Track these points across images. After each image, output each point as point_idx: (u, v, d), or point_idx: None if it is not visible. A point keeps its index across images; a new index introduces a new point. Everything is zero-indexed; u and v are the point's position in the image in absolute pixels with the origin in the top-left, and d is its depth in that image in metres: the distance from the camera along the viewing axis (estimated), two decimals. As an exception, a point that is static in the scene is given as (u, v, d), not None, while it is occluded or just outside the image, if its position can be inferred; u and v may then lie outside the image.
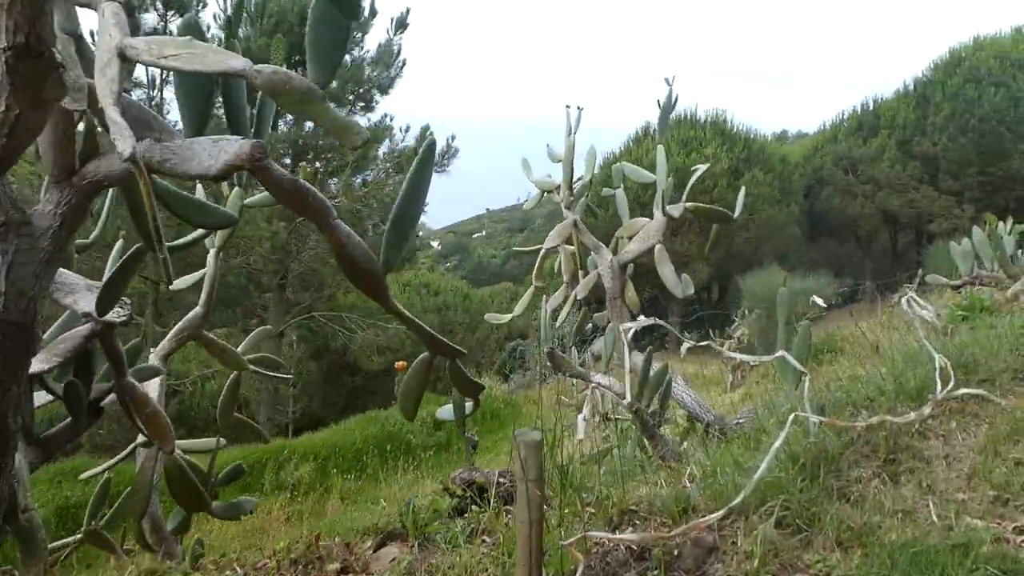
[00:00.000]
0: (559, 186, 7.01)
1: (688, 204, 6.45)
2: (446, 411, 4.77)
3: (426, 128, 18.15)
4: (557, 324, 7.87)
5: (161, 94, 17.27)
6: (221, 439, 4.82)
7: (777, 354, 4.06)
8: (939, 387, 3.56)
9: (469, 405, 4.49)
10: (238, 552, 4.44)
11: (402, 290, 38.95)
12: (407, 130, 18.04)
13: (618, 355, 6.26)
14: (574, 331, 8.23)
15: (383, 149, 18.25)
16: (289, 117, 18.88)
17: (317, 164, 18.86)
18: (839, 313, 32.40)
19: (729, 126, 29.54)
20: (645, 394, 5.82)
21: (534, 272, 6.76)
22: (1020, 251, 9.48)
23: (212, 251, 4.82)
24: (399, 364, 16.11)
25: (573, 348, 8.06)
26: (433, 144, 3.02)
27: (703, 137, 28.52)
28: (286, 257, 19.21)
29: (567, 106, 6.98)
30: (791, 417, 2.92)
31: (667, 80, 6.55)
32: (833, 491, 2.85)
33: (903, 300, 4.96)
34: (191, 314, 4.91)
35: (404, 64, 19.62)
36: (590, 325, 7.95)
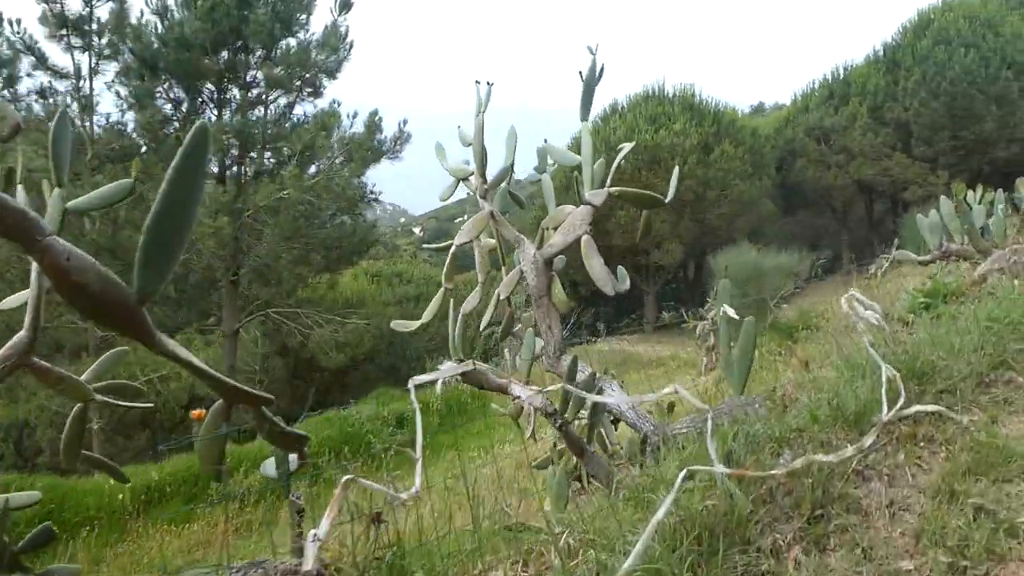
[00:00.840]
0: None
1: (613, 189, 5.70)
2: (268, 467, 4.02)
3: (374, 113, 17.32)
4: (482, 327, 7.17)
5: None
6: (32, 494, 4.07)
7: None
8: (885, 407, 2.89)
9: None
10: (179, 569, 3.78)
11: (372, 280, 38.23)
12: (355, 116, 17.20)
13: (547, 360, 5.58)
14: (500, 334, 7.52)
15: (334, 137, 17.39)
16: (235, 106, 18.07)
17: (267, 154, 18.07)
18: (817, 286, 32.02)
19: (698, 100, 28.82)
20: (571, 405, 5.18)
21: (444, 272, 6.01)
22: (991, 222, 8.83)
23: (35, 267, 4.05)
24: (195, 413, 15.28)
25: (507, 351, 7.39)
26: (202, 132, 2.27)
27: (672, 112, 27.80)
28: (238, 252, 18.42)
29: (476, 81, 6.24)
30: (680, 476, 2.24)
31: (590, 48, 5.79)
32: (737, 572, 2.17)
33: (843, 301, 4.27)
34: (15, 339, 4.14)
35: (352, 46, 18.78)
36: (519, 326, 7.24)
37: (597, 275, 5.95)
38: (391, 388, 19.93)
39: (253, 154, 18.88)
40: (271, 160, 18.12)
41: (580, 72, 6.05)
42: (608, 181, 6.24)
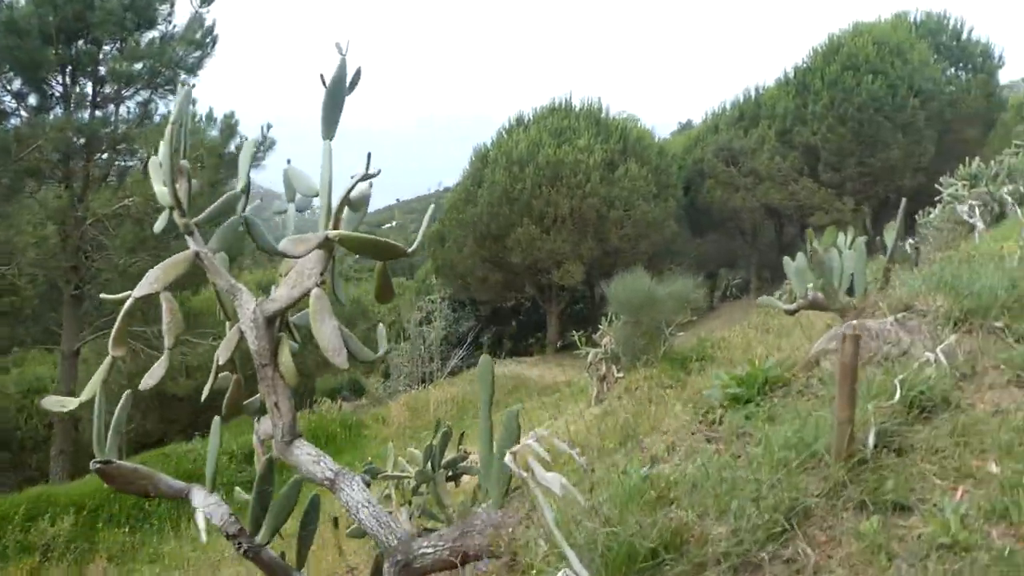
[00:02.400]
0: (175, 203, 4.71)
1: (332, 233, 4.13)
2: None
3: (230, 116, 15.58)
4: (203, 396, 5.65)
5: None
6: None
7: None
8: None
9: None
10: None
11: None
12: (211, 118, 15.39)
13: (276, 447, 4.15)
14: (224, 409, 5.99)
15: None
16: (74, 104, 16.16)
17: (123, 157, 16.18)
18: (728, 309, 31.20)
19: (604, 116, 27.81)
20: (266, 521, 3.77)
21: (112, 335, 4.40)
22: (854, 273, 7.71)
23: None
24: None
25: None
26: None
27: (577, 127, 26.71)
28: (79, 264, 16.47)
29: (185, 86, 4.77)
30: None
31: (339, 47, 4.23)
32: None
33: (530, 442, 2.92)
34: None
35: (215, 42, 17.05)
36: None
37: (326, 343, 4.39)
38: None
39: (105, 155, 16.99)
40: (122, 163, 16.25)
41: (322, 76, 4.49)
42: (332, 220, 4.68)
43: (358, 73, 4.24)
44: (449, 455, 6.41)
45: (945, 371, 3.79)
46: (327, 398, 22.30)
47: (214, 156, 14.88)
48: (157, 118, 16.02)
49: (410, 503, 6.32)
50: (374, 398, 25.33)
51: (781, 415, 3.55)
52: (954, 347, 4.07)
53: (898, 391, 3.37)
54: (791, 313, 8.08)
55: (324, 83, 4.15)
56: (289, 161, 5.39)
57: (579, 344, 20.71)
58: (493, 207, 25.93)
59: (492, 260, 27.08)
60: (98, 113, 16.06)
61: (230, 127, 15.22)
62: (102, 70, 16.27)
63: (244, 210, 4.48)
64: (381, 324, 4.81)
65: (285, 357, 4.48)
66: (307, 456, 4.06)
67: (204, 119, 15.09)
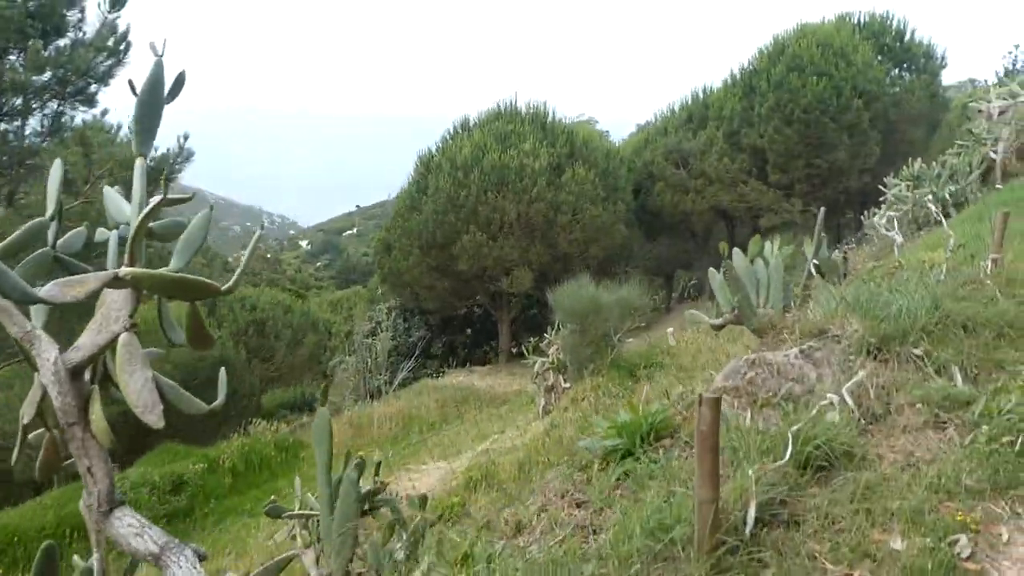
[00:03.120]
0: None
1: (123, 271, 3.40)
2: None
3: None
4: (13, 459, 4.98)
5: None
6: None
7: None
8: None
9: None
10: None
11: (210, 306, 35.00)
12: (119, 129, 14.51)
13: (92, 516, 3.44)
14: (38, 468, 5.32)
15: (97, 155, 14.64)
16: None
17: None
18: (681, 311, 30.81)
19: (551, 119, 27.33)
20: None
21: None
22: (772, 289, 7.27)
23: None
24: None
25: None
26: None
27: (522, 131, 26.19)
28: None
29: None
30: None
31: (154, 48, 3.54)
32: None
33: None
34: None
35: (128, 48, 16.16)
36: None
37: (135, 398, 3.70)
38: (178, 444, 17.25)
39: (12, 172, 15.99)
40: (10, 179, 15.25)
41: (131, 83, 3.80)
42: (127, 255, 3.99)
43: (181, 77, 3.58)
44: (364, 487, 5.83)
45: (851, 415, 3.29)
46: (264, 419, 21.41)
47: (128, 169, 14.01)
48: (67, 133, 15.08)
49: (319, 543, 5.73)
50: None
51: (659, 476, 3.02)
52: (864, 383, 3.57)
53: (790, 446, 2.85)
54: (717, 329, 7.62)
55: (134, 91, 3.49)
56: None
57: (526, 353, 20.20)
58: (438, 214, 25.28)
59: (439, 268, 26.44)
60: (2, 126, 15.09)
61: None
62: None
63: (55, 241, 3.80)
64: (223, 369, 4.17)
65: (97, 414, 3.78)
66: (128, 528, 3.39)
67: (114, 129, 14.25)
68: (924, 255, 6.32)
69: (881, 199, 18.88)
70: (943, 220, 8.95)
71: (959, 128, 25.02)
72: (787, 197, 27.11)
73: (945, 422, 3.43)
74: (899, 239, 6.87)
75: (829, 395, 3.25)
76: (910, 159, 19.44)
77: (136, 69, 16.69)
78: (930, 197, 16.54)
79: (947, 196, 16.53)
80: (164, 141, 15.55)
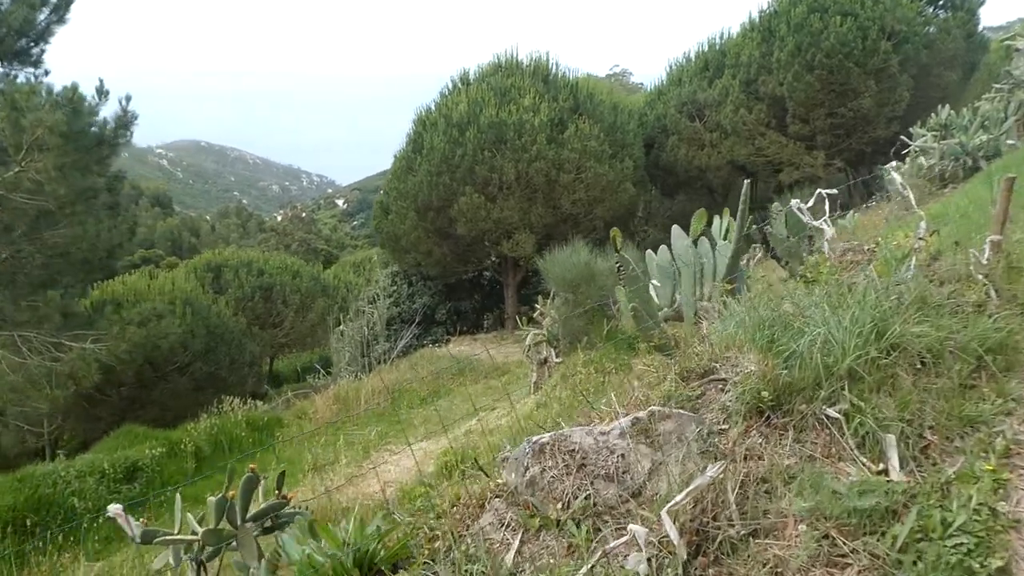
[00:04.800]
0: None
1: None
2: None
3: (73, 89, 13.41)
4: None
5: None
6: None
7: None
8: None
9: None
10: None
11: (215, 272, 34.22)
12: (50, 92, 13.25)
13: None
14: None
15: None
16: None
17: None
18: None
19: (553, 71, 25.61)
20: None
21: None
22: (747, 261, 5.84)
23: None
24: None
25: None
26: None
27: (523, 85, 24.54)
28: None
29: None
30: None
31: None
32: None
33: None
34: None
35: (69, 4, 14.93)
36: None
37: None
38: (140, 425, 16.34)
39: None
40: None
41: None
42: None
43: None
44: (266, 502, 4.84)
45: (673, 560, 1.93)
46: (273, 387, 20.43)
47: (57, 136, 12.85)
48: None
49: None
50: (313, 388, 23.49)
51: None
52: (719, 483, 2.20)
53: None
54: (665, 322, 6.23)
55: None
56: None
57: (519, 324, 18.91)
58: (432, 175, 23.87)
59: (437, 232, 25.13)
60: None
61: (75, 101, 13.14)
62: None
63: None
64: None
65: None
66: None
67: (44, 94, 13.04)
68: (902, 237, 4.85)
69: (904, 151, 17.12)
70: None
71: (1000, 71, 22.89)
72: (809, 150, 25.20)
73: (846, 556, 2.07)
74: (910, 195, 5.23)
75: (633, 529, 1.90)
76: (939, 106, 17.62)
77: (79, 27, 15.49)
78: (979, 140, 14.83)
79: (977, 146, 14.80)
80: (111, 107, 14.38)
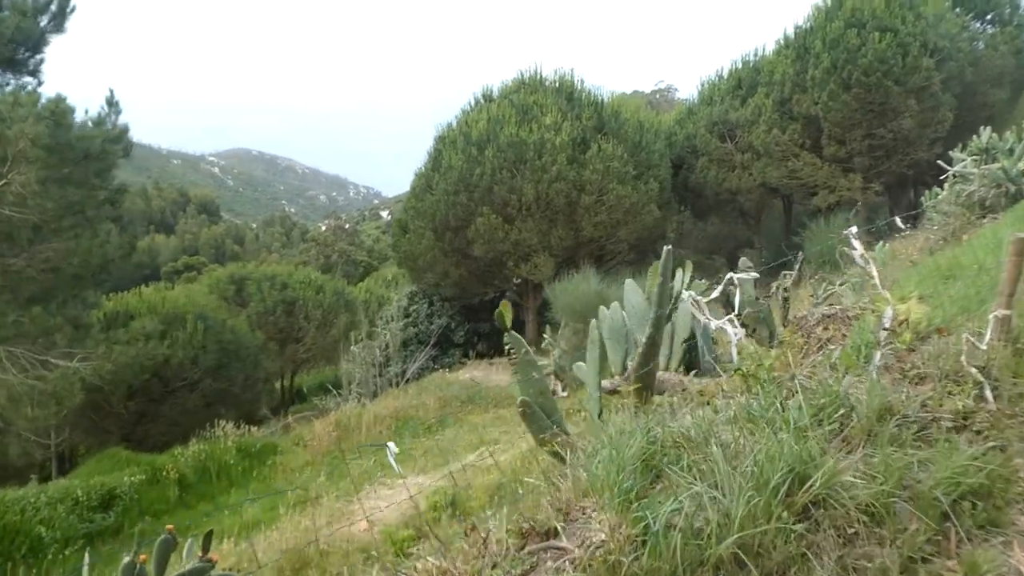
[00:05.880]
0: None
1: None
2: None
3: (58, 101, 12.95)
4: None
5: None
6: None
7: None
8: None
9: None
10: None
11: (238, 284, 33.93)
12: (15, 103, 12.75)
13: None
14: None
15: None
16: None
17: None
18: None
19: (577, 89, 24.78)
20: None
21: None
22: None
23: None
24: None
25: None
26: None
27: (545, 103, 23.74)
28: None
29: None
30: None
31: None
32: None
33: None
34: None
35: (71, 10, 14.58)
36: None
37: None
38: (123, 450, 15.76)
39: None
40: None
41: None
42: None
43: None
44: (189, 565, 4.18)
45: None
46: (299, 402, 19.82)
47: (39, 148, 12.38)
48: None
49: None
50: (320, 410, 22.81)
51: None
52: None
53: None
54: (609, 393, 5.34)
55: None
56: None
57: (538, 350, 17.99)
58: (449, 195, 23.17)
59: (453, 253, 24.40)
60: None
61: (58, 113, 12.67)
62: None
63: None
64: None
65: None
66: None
67: (27, 105, 12.61)
68: (898, 299, 3.90)
69: (942, 176, 15.91)
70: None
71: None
72: (845, 172, 23.97)
73: None
74: (872, 270, 4.22)
75: None
76: (981, 128, 16.39)
77: (77, 36, 15.13)
78: (1001, 173, 13.63)
79: (1021, 172, 13.60)
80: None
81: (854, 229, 3.75)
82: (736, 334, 3.78)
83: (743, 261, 5.60)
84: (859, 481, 2.16)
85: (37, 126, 12.30)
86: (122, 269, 16.73)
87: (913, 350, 3.38)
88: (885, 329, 3.09)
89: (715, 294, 4.70)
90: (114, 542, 12.67)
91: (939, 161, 16.13)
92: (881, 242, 13.60)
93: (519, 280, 26.54)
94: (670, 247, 4.10)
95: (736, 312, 4.34)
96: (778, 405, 2.54)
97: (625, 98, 36.75)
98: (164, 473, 14.31)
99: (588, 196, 22.73)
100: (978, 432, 2.70)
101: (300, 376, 38.80)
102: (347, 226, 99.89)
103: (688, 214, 31.11)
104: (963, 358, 3.12)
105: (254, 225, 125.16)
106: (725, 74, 28.22)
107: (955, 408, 2.70)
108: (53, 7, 14.03)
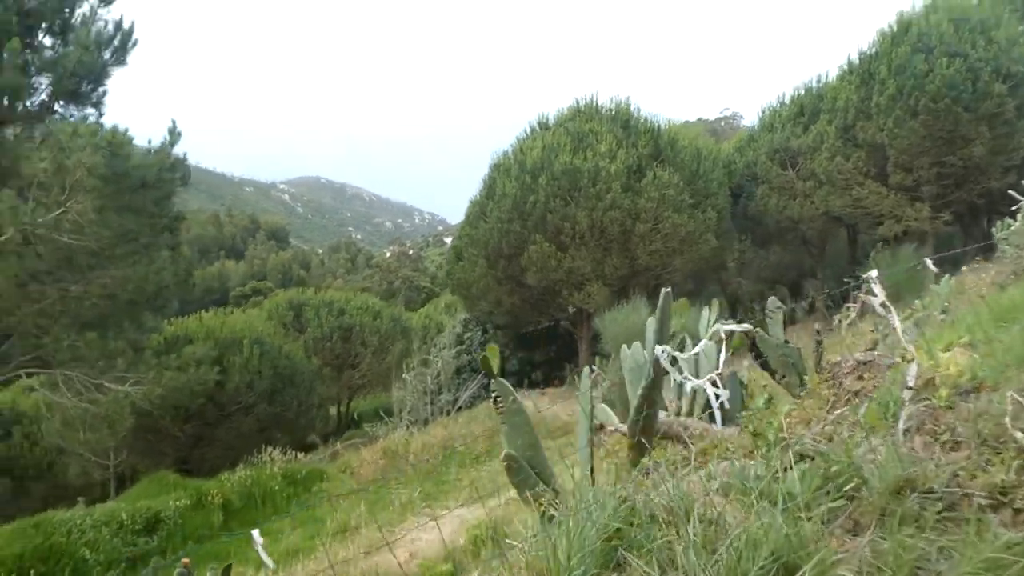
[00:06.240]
0: None
1: None
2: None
3: (116, 131, 13.27)
4: None
5: None
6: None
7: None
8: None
9: None
10: None
11: (296, 310, 34.38)
12: (75, 134, 13.07)
13: None
14: None
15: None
16: None
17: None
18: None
19: (634, 116, 24.50)
20: None
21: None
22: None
23: None
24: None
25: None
26: None
27: (600, 131, 23.52)
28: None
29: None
30: None
31: None
32: None
33: None
34: None
35: (133, 44, 15.00)
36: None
37: None
38: (172, 472, 15.89)
39: None
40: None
41: None
42: None
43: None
44: None
45: None
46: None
47: (95, 178, 12.68)
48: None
49: None
50: (369, 437, 22.80)
51: None
52: None
53: None
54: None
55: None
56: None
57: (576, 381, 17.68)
58: (503, 222, 23.08)
59: (506, 281, 24.25)
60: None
61: (114, 143, 12.95)
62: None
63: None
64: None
65: None
66: None
67: (86, 136, 12.92)
68: (942, 348, 3.52)
69: (1014, 207, 15.12)
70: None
71: None
72: (912, 201, 23.08)
73: None
74: (895, 322, 3.71)
75: None
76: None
77: (139, 69, 15.54)
78: None
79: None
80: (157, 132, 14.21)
81: (874, 273, 3.40)
82: (719, 396, 3.39)
83: (772, 301, 5.24)
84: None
85: (94, 156, 12.60)
86: (182, 295, 17.01)
87: (952, 407, 3.01)
88: (908, 388, 2.74)
89: (694, 352, 4.34)
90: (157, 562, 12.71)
91: (1011, 191, 15.36)
92: (947, 276, 12.94)
93: (573, 309, 26.23)
94: (668, 290, 3.80)
95: (718, 371, 3.98)
96: (780, 473, 2.23)
97: (688, 125, 36.38)
98: (209, 498, 14.37)
99: (643, 224, 22.36)
100: (1017, 511, 2.33)
101: (356, 402, 39.02)
102: (411, 252, 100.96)
103: (748, 243, 30.41)
104: (1007, 420, 2.74)
105: (320, 251, 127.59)
106: (787, 100, 27.58)
107: (991, 482, 2.34)
108: (115, 41, 14.44)
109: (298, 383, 26.70)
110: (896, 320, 3.20)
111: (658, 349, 3.35)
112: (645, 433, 3.77)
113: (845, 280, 17.72)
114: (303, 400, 26.76)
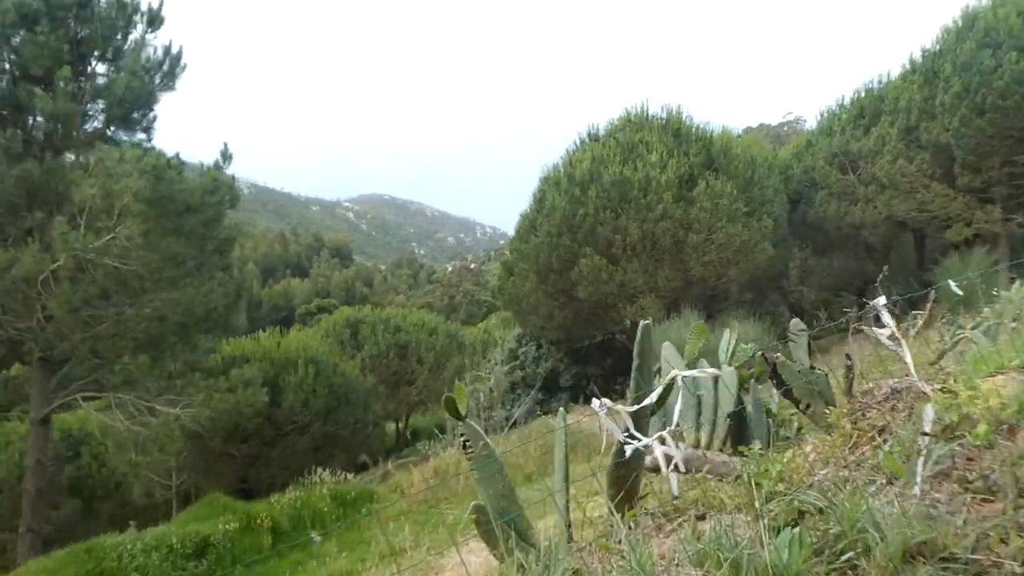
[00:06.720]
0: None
1: None
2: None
3: (159, 155, 13.42)
4: None
5: None
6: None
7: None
8: None
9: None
10: None
11: (353, 328, 34.56)
12: (121, 159, 13.26)
13: None
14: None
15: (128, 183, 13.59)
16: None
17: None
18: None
19: (685, 125, 23.97)
20: None
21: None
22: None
23: None
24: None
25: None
26: None
27: (650, 140, 23.06)
28: (47, 321, 14.97)
29: None
30: None
31: None
32: None
33: None
34: None
35: (182, 69, 15.24)
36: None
37: None
38: (225, 494, 15.96)
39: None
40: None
41: None
42: None
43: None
44: None
45: None
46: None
47: (141, 203, 12.85)
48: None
49: None
50: (422, 455, 22.62)
51: None
52: None
53: None
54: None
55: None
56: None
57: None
58: (552, 236, 22.78)
59: (557, 295, 23.91)
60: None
61: (159, 168, 13.11)
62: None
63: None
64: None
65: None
66: None
67: (131, 161, 13.11)
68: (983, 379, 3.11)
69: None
70: None
71: None
72: (982, 203, 22.01)
73: None
74: (905, 352, 3.29)
75: None
76: None
77: (187, 94, 15.76)
78: None
79: None
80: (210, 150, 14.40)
81: (881, 300, 3.01)
82: (671, 454, 2.92)
83: (794, 323, 4.83)
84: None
85: (139, 181, 12.77)
86: (231, 316, 17.15)
87: (991, 447, 2.61)
88: (924, 434, 2.35)
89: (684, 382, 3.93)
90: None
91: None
92: (1018, 281, 12.16)
93: (628, 322, 25.73)
94: (648, 322, 3.47)
95: (675, 423, 3.59)
96: (768, 536, 1.89)
97: (749, 132, 35.59)
98: (258, 521, 14.36)
99: (696, 235, 21.80)
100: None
101: (414, 418, 39.06)
102: (472, 266, 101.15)
103: (809, 251, 29.48)
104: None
105: (383, 267, 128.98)
106: (846, 103, 26.69)
107: (1012, 551, 1.96)
108: (164, 66, 14.67)
109: (353, 401, 26.75)
110: (907, 355, 2.81)
111: (722, 370, 2.96)
112: (630, 483, 3.44)
113: (916, 286, 16.89)
114: (358, 418, 26.80)
